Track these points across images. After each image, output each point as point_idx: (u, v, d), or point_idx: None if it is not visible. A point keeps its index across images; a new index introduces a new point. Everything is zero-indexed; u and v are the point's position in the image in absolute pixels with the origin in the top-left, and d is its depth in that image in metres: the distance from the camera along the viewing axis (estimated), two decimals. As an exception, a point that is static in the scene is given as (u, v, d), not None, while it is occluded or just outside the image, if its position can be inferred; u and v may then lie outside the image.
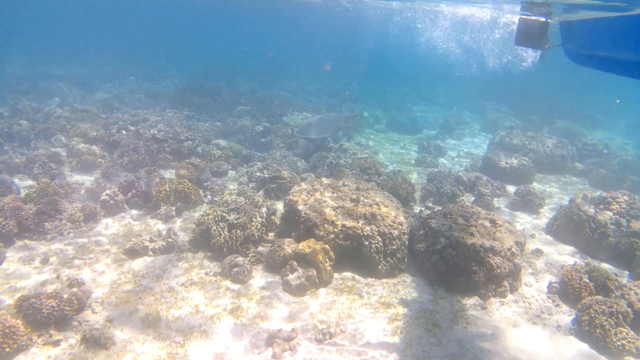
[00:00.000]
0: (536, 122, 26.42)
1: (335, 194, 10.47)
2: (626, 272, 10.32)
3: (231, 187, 13.76)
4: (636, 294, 8.60)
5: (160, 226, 10.88)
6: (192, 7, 62.52)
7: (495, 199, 14.47)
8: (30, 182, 12.76)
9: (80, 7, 61.43)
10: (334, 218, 9.53)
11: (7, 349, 6.42)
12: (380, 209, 9.88)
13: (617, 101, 33.21)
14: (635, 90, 37.97)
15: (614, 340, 7.55)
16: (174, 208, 11.41)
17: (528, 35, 8.83)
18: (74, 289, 7.78)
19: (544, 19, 8.74)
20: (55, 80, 26.39)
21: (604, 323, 7.75)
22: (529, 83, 32.40)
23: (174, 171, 13.98)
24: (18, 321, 6.76)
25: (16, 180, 12.48)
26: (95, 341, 6.82)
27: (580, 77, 35.88)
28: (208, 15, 73.01)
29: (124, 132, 15.85)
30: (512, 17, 23.18)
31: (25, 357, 6.51)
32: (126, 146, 14.44)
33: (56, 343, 6.83)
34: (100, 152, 14.71)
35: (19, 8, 57.47)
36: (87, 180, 13.31)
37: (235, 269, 8.77)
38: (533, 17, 9.31)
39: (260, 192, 13.14)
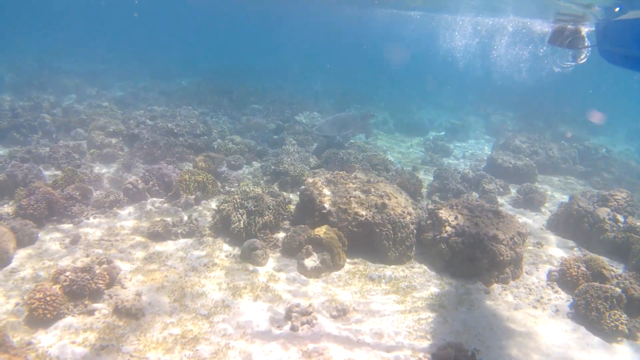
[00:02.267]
0: (539, 126, 26.94)
1: (347, 185, 11.05)
2: (622, 266, 10.83)
3: (246, 179, 14.37)
4: (630, 282, 9.15)
5: (181, 213, 11.48)
6: (204, 8, 63.30)
7: (499, 197, 15.02)
8: (54, 171, 13.37)
9: (95, 6, 62.30)
10: (347, 206, 10.11)
11: (49, 315, 7.01)
12: (390, 200, 10.46)
13: None
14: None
15: (608, 322, 8.09)
16: (193, 197, 12.00)
17: (561, 36, 9.08)
18: (104, 265, 8.36)
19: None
20: (71, 76, 27.14)
21: (599, 306, 8.30)
22: (534, 90, 32.86)
23: (191, 164, 14.59)
24: (57, 291, 7.34)
25: (41, 169, 13.08)
26: (127, 312, 7.40)
27: (584, 84, 36.40)
28: (219, 16, 73.88)
29: (142, 126, 16.48)
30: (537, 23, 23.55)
31: (63, 323, 7.09)
32: (145, 139, 15.06)
33: (91, 312, 7.42)
34: (120, 145, 15.33)
35: (36, 4, 58.44)
36: (107, 170, 13.94)
37: (254, 252, 9.35)
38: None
39: (275, 184, 13.75)
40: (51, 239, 9.65)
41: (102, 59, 35.02)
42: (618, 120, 32.20)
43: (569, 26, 9.23)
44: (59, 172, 12.87)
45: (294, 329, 7.40)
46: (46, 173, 12.94)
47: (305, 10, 46.78)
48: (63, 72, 27.98)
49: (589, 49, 9.17)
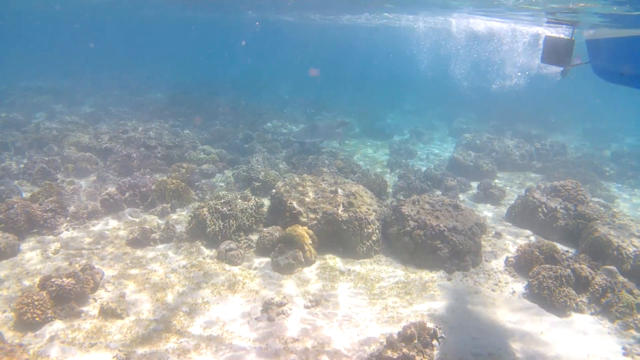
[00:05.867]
0: (500, 126, 28.03)
1: (315, 187, 11.68)
2: (574, 250, 11.68)
3: (219, 186, 14.88)
4: (579, 264, 9.97)
5: (158, 221, 11.93)
6: (170, 21, 63.43)
7: (461, 193, 15.86)
8: (30, 187, 13.63)
9: (60, 21, 61.88)
10: (316, 206, 10.74)
11: (37, 319, 7.43)
12: (356, 198, 11.12)
13: None
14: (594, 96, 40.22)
15: (558, 298, 8.88)
16: (169, 205, 12.47)
17: (554, 53, 9.11)
18: (88, 271, 8.78)
19: (570, 38, 8.94)
20: (40, 94, 27.16)
21: (550, 285, 9.07)
22: (495, 93, 34.00)
23: (165, 175, 15.02)
24: (44, 296, 7.75)
25: (17, 185, 13.36)
26: (112, 312, 7.87)
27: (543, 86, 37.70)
28: (187, 30, 74.02)
29: (115, 140, 16.85)
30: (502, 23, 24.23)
31: (52, 326, 7.52)
32: (119, 152, 15.45)
33: (77, 314, 7.86)
34: (94, 159, 15.65)
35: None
36: (83, 184, 14.26)
37: (230, 253, 9.90)
38: (558, 35, 9.26)
39: (247, 189, 14.29)
40: (33, 250, 10.02)
41: (71, 76, 35.00)
42: (576, 119, 33.65)
43: (562, 37, 9.31)
44: (35, 188, 13.16)
45: (270, 319, 7.97)
46: (22, 189, 13.20)
47: (274, 20, 47.47)
48: (31, 90, 27.97)
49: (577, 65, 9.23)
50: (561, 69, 9.46)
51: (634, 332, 8.33)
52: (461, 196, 15.58)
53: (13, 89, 28.33)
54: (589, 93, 40.24)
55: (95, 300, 8.31)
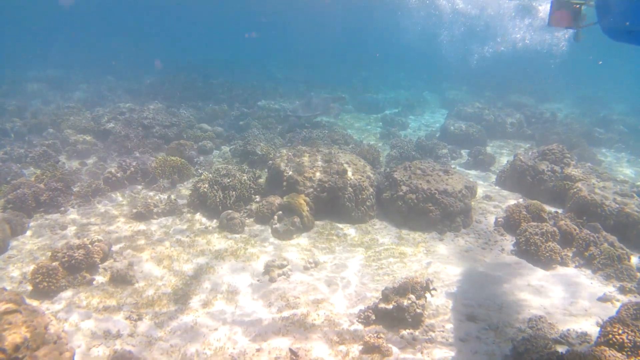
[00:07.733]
0: (491, 97, 28.38)
1: (311, 158, 12.11)
2: (561, 210, 12.16)
3: (217, 162, 15.31)
4: (565, 222, 10.45)
5: (160, 195, 12.35)
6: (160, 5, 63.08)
7: (452, 160, 16.34)
8: (33, 170, 13.98)
9: (48, 10, 61.38)
10: (312, 175, 11.18)
11: (52, 287, 7.89)
12: (350, 166, 11.57)
13: None
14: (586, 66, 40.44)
15: (544, 252, 9.38)
16: (169, 180, 12.88)
17: (562, 16, 8.88)
18: (97, 243, 9.21)
19: None
20: (33, 82, 27.32)
21: (536, 241, 9.57)
22: (486, 65, 34.23)
23: (164, 153, 15.40)
24: (57, 266, 8.20)
25: (21, 168, 13.73)
26: (122, 279, 8.33)
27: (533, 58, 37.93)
28: (177, 12, 73.46)
29: (113, 122, 17.19)
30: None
31: (66, 293, 7.98)
32: (117, 133, 15.81)
33: (89, 282, 8.32)
34: (93, 141, 16.01)
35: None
36: (85, 164, 14.60)
37: (231, 222, 10.35)
38: None
39: (245, 163, 14.70)
40: (42, 227, 10.43)
41: (63, 64, 34.93)
42: (567, 87, 33.99)
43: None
44: (37, 170, 13.52)
45: (272, 280, 8.46)
46: (25, 172, 13.56)
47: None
48: (24, 79, 28.12)
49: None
50: (572, 31, 9.35)
51: (614, 282, 8.84)
52: (452, 163, 16.02)
53: (7, 79, 28.46)
54: (581, 61, 40.46)
55: (106, 270, 8.74)
